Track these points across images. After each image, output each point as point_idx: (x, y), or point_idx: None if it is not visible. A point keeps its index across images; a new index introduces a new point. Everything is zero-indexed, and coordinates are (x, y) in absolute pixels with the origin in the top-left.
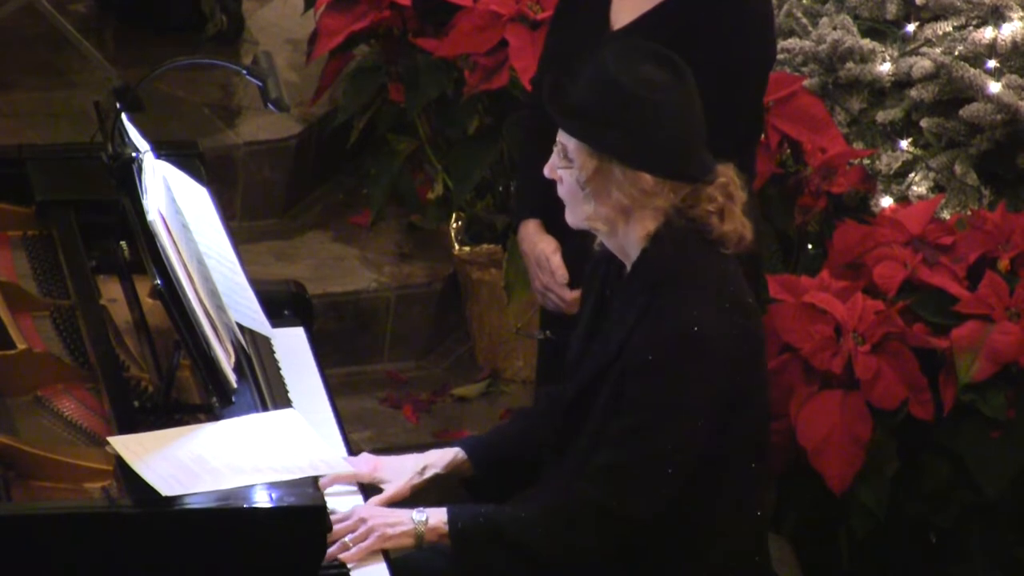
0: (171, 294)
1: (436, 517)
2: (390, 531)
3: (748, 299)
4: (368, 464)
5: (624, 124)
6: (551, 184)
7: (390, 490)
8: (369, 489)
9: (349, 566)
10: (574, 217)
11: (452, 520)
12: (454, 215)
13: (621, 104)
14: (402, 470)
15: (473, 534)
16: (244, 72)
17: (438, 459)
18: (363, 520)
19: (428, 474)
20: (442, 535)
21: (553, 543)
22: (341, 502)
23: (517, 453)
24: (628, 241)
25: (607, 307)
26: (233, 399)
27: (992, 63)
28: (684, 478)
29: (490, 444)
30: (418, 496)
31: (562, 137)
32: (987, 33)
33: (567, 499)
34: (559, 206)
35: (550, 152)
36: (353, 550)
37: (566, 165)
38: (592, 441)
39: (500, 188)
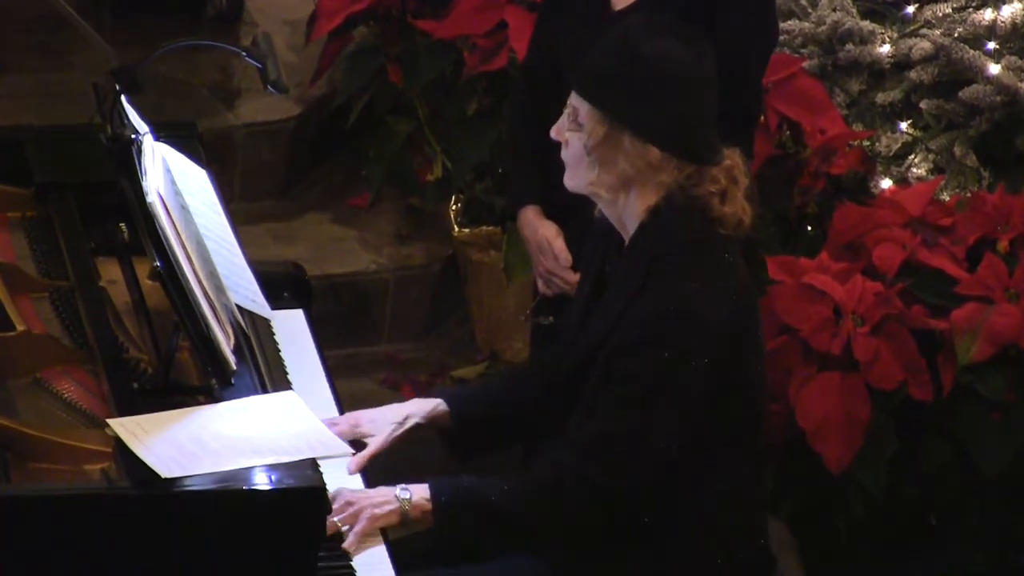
0: (170, 276)
1: (418, 493)
2: (378, 511)
3: (745, 277)
4: (348, 421)
5: (641, 95)
6: (547, 169)
7: (373, 445)
8: (357, 445)
9: (351, 552)
10: (574, 182)
11: (435, 495)
12: (453, 197)
13: (641, 75)
14: (383, 422)
15: (457, 508)
16: (243, 54)
17: (419, 408)
18: (349, 503)
19: (409, 424)
20: (425, 511)
21: (539, 514)
22: (341, 483)
23: (499, 412)
24: (628, 213)
25: (605, 285)
26: (232, 381)
27: (992, 45)
28: (675, 453)
29: (472, 399)
30: (398, 447)
31: (574, 100)
32: (986, 15)
33: (554, 470)
34: (556, 192)
35: (543, 137)
36: (350, 537)
37: (575, 129)
38: (584, 412)
39: (499, 170)
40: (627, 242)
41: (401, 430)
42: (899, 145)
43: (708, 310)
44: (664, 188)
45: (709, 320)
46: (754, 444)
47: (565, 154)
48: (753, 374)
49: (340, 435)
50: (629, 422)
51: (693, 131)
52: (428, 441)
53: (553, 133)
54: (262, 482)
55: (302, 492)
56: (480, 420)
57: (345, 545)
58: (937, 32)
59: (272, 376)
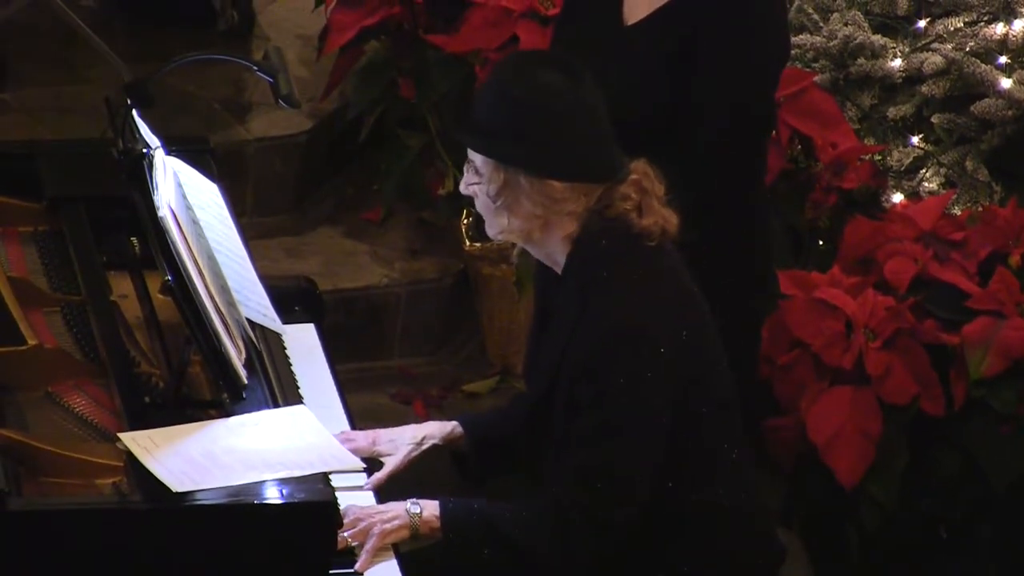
0: (182, 290)
1: (429, 510)
2: (388, 526)
3: (682, 283)
4: (366, 439)
5: (523, 134)
6: None
7: (391, 463)
8: (373, 465)
9: (363, 571)
10: (492, 231)
11: (444, 514)
12: (465, 211)
13: (517, 115)
14: (400, 442)
15: (466, 529)
16: (255, 68)
17: (437, 430)
18: (359, 520)
19: (426, 445)
20: (434, 528)
21: (547, 544)
22: (353, 499)
23: (512, 436)
24: (552, 248)
25: (548, 318)
26: (244, 395)
27: (1003, 59)
28: (658, 470)
29: (487, 424)
30: (412, 468)
31: (470, 153)
32: (998, 29)
33: (556, 503)
34: None
35: None
36: (363, 557)
37: (477, 181)
38: (559, 445)
39: None
40: (560, 274)
41: (418, 450)
42: (911, 159)
43: (650, 322)
44: (578, 217)
45: (653, 331)
46: (730, 447)
47: (477, 205)
48: (712, 376)
49: (358, 451)
50: (611, 448)
51: (584, 155)
52: (440, 459)
53: (462, 188)
54: (273, 496)
55: (313, 506)
56: (494, 444)
57: (358, 566)
58: (949, 46)
59: (283, 390)
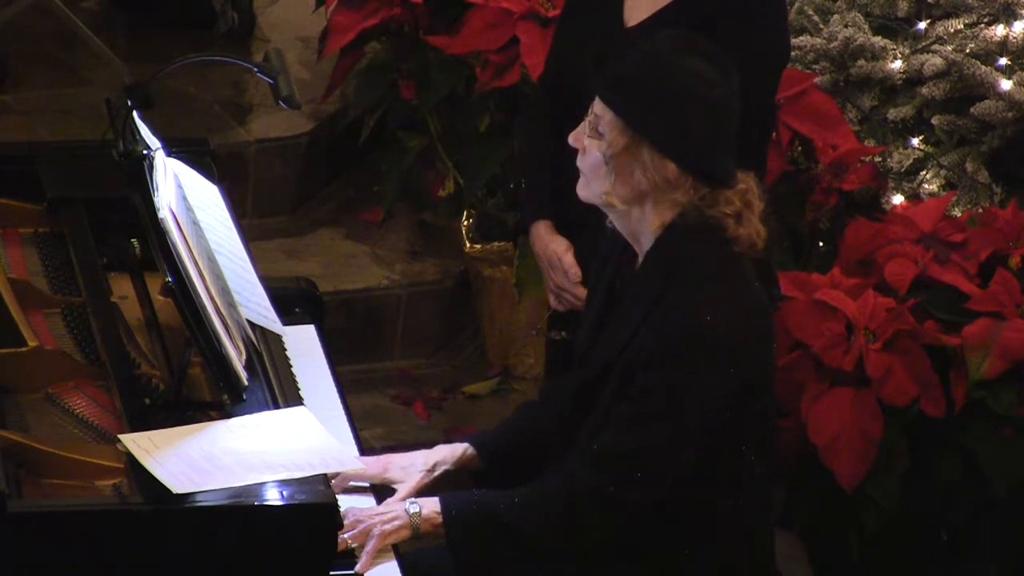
0: (182, 291)
1: (429, 507)
2: (387, 527)
3: (760, 296)
4: (378, 465)
5: (667, 110)
6: (560, 185)
7: (402, 491)
8: (380, 489)
9: (364, 573)
10: (588, 191)
11: (445, 508)
12: (465, 212)
13: (669, 90)
14: (412, 469)
15: (468, 521)
16: (255, 69)
17: (448, 455)
18: (359, 521)
19: (438, 471)
20: (436, 524)
21: (550, 527)
22: (353, 501)
23: (524, 446)
24: (641, 228)
25: (617, 300)
26: (244, 396)
27: (1003, 60)
28: (686, 469)
29: (498, 438)
30: (428, 492)
31: (598, 108)
32: (998, 31)
33: (565, 483)
34: (568, 207)
35: (556, 151)
36: (363, 558)
37: (595, 136)
38: (596, 430)
39: (511, 185)
40: (641, 257)
41: (430, 478)
42: (911, 161)
43: (725, 326)
44: (678, 206)
45: (726, 336)
46: (762, 461)
47: (581, 162)
48: (765, 392)
49: (369, 477)
50: (645, 437)
51: (712, 153)
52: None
53: (571, 139)
54: (274, 498)
55: (314, 508)
56: (509, 457)
57: (358, 568)
58: (949, 48)
59: (284, 392)
